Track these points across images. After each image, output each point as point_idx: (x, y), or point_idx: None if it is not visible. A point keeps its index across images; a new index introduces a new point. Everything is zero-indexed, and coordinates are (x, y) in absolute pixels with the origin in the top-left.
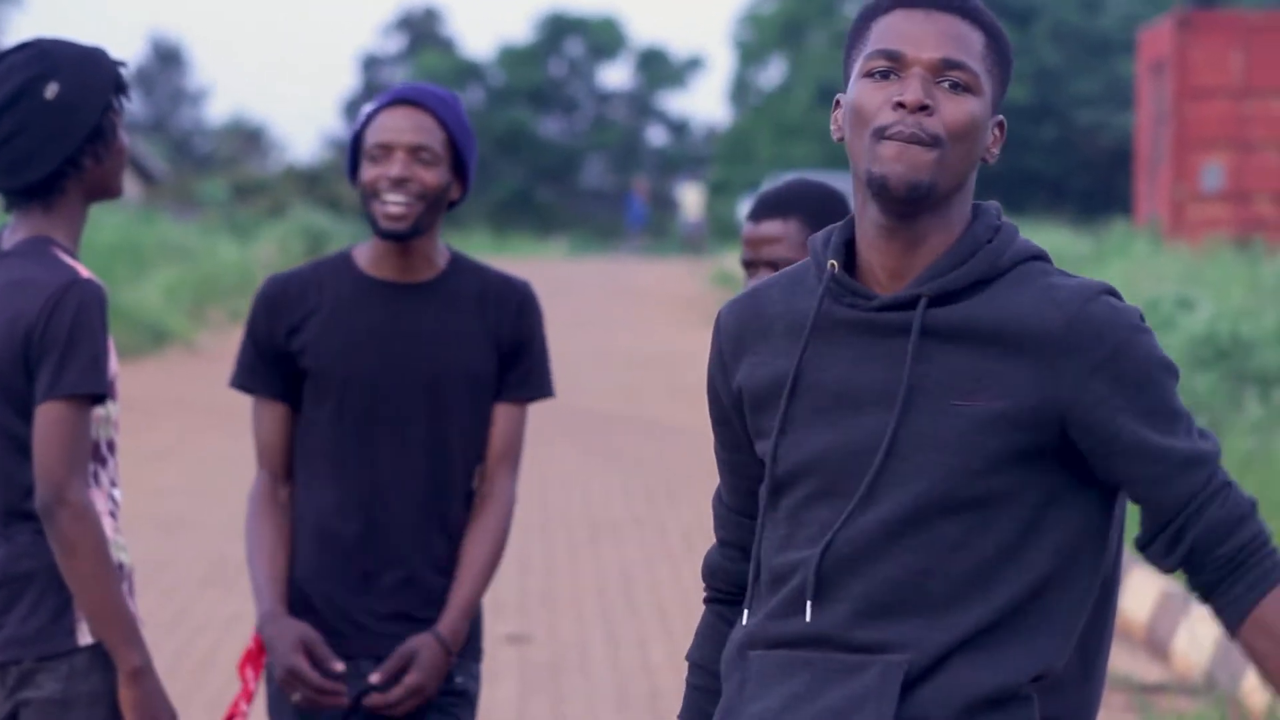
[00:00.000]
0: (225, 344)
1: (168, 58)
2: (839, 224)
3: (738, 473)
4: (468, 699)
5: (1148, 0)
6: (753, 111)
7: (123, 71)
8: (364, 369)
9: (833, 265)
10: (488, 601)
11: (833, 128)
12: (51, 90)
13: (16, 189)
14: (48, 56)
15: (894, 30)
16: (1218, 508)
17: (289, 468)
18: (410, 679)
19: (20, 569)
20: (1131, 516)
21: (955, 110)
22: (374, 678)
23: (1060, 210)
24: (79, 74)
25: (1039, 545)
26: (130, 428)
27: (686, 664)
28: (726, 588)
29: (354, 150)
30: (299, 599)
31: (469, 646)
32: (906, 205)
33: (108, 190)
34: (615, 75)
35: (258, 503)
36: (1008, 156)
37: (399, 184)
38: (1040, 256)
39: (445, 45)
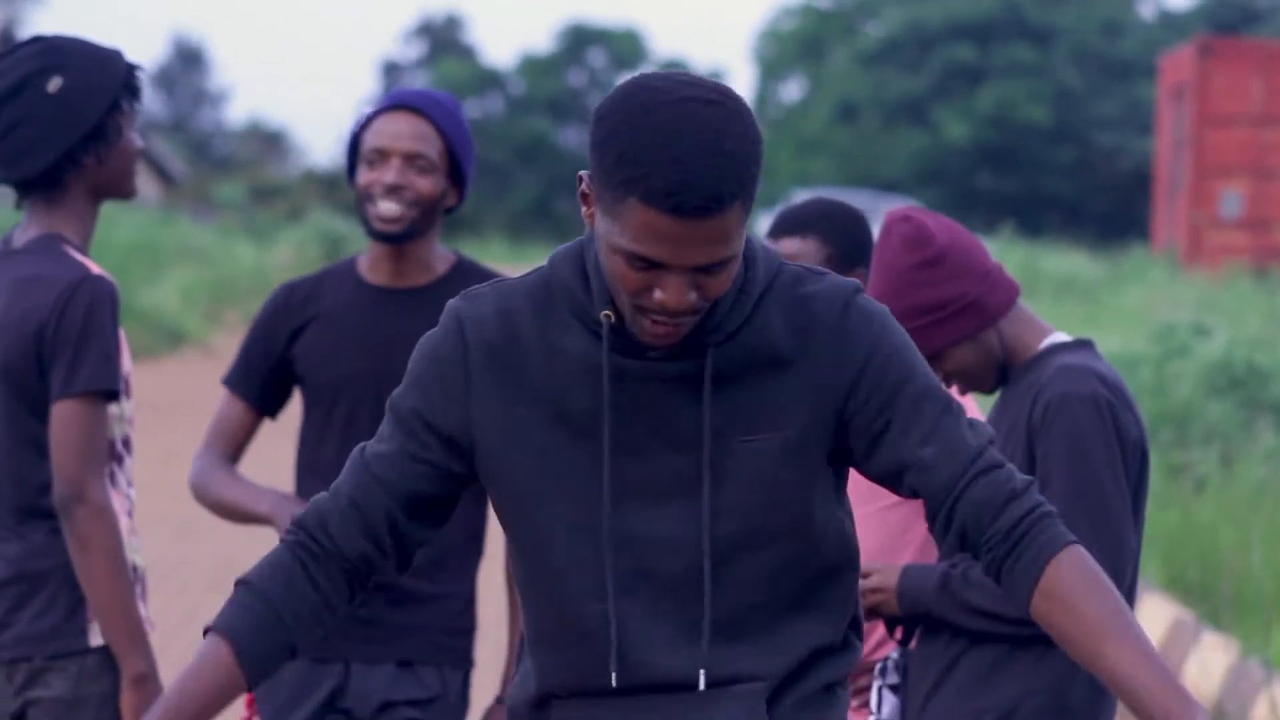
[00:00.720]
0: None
1: (189, 58)
2: (585, 255)
3: (410, 469)
4: (445, 706)
5: (1169, 25)
6: (772, 126)
7: (138, 75)
8: (352, 373)
9: (608, 316)
10: (496, 616)
11: (584, 211)
12: (54, 84)
13: (16, 181)
14: (56, 52)
15: (654, 234)
16: (982, 489)
17: (235, 460)
18: None
19: (34, 567)
20: (1149, 546)
21: (718, 285)
22: None
23: (1077, 233)
24: (85, 71)
25: (828, 543)
26: (144, 428)
27: (236, 584)
28: (328, 547)
29: (353, 151)
30: None
31: (458, 656)
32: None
33: (117, 190)
34: None
35: (210, 461)
36: (1025, 178)
37: (393, 191)
38: (781, 265)
39: (466, 53)
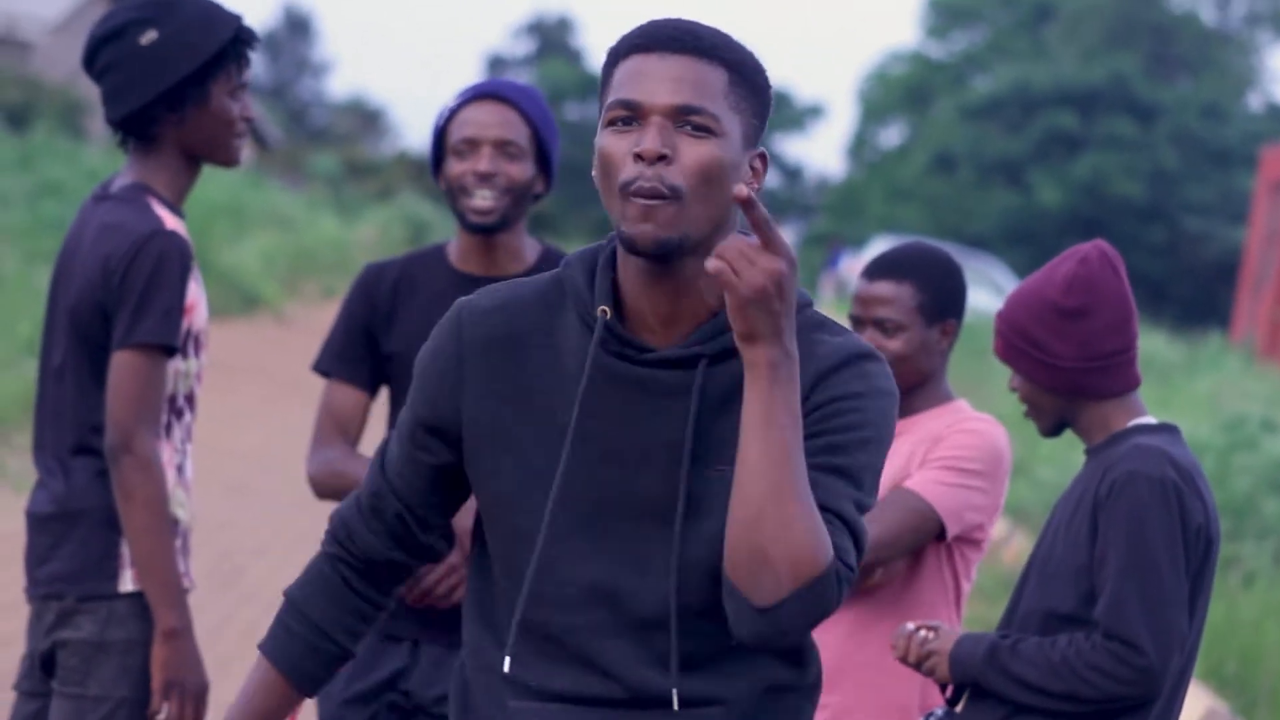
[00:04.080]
0: (314, 316)
1: (297, 26)
2: (599, 255)
3: (416, 468)
4: None
5: (1274, 117)
6: (868, 168)
7: (247, 44)
8: None
9: (604, 312)
10: None
11: (593, 173)
12: (148, 37)
13: (113, 121)
14: (165, 6)
15: (632, 77)
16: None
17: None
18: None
19: (75, 506)
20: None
21: (695, 155)
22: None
23: (1157, 314)
24: (183, 30)
25: None
26: (208, 387)
27: (285, 598)
28: (358, 555)
29: (438, 146)
30: None
31: None
32: (659, 260)
33: (210, 154)
34: None
35: (337, 452)
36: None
37: (486, 179)
38: (808, 304)
39: (574, 56)
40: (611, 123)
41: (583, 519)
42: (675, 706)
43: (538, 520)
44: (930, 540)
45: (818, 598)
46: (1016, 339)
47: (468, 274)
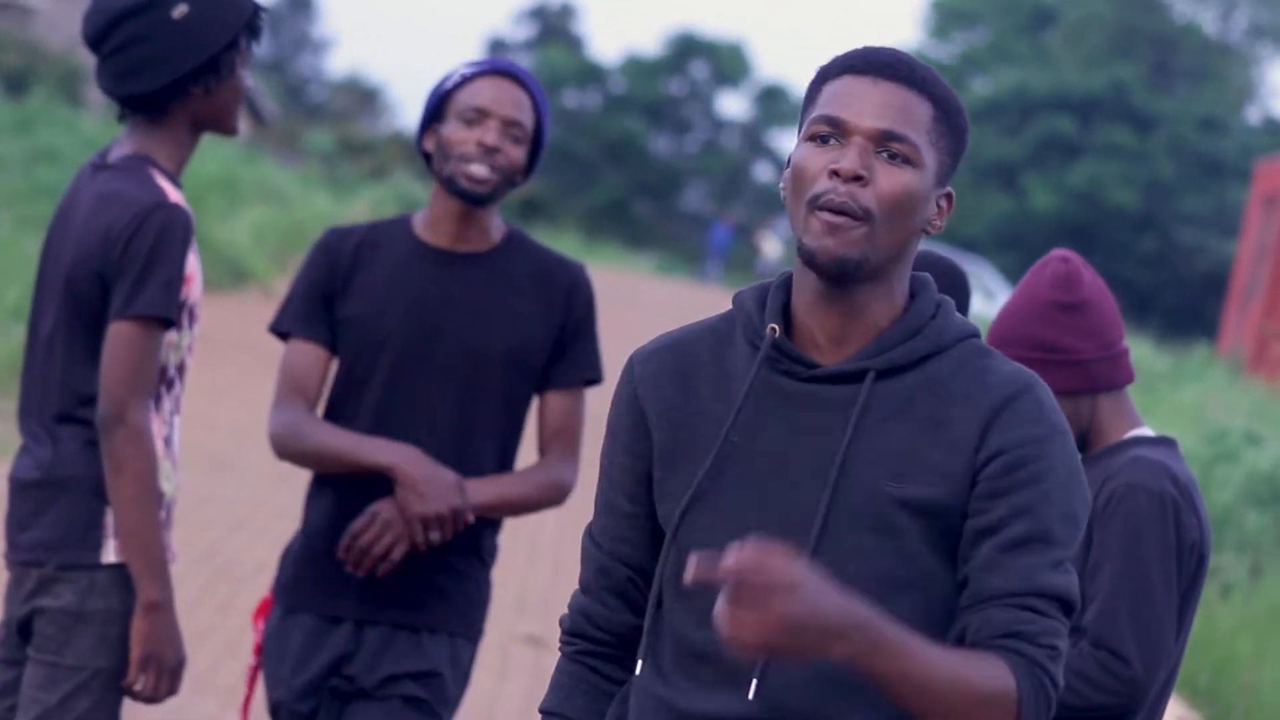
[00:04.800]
0: None
1: (297, 2)
2: (772, 283)
3: (632, 524)
4: (449, 678)
5: (1272, 132)
6: None
7: (261, 16)
8: (400, 328)
9: (773, 329)
10: (513, 598)
11: (781, 186)
12: (180, 11)
13: (121, 97)
14: None
15: (840, 96)
16: (1015, 622)
17: (314, 409)
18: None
19: (60, 474)
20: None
21: (891, 182)
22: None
23: (1145, 323)
24: (212, 4)
25: (947, 622)
26: (194, 362)
27: (543, 714)
28: (603, 639)
29: (436, 107)
30: (307, 548)
31: (469, 626)
32: (836, 279)
33: (218, 125)
34: (734, 104)
35: (299, 413)
36: (1103, 259)
37: (490, 152)
38: (975, 334)
39: (574, 43)
40: (812, 138)
41: (740, 533)
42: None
43: (701, 538)
44: None
45: (1036, 712)
46: (1034, 352)
47: (432, 245)
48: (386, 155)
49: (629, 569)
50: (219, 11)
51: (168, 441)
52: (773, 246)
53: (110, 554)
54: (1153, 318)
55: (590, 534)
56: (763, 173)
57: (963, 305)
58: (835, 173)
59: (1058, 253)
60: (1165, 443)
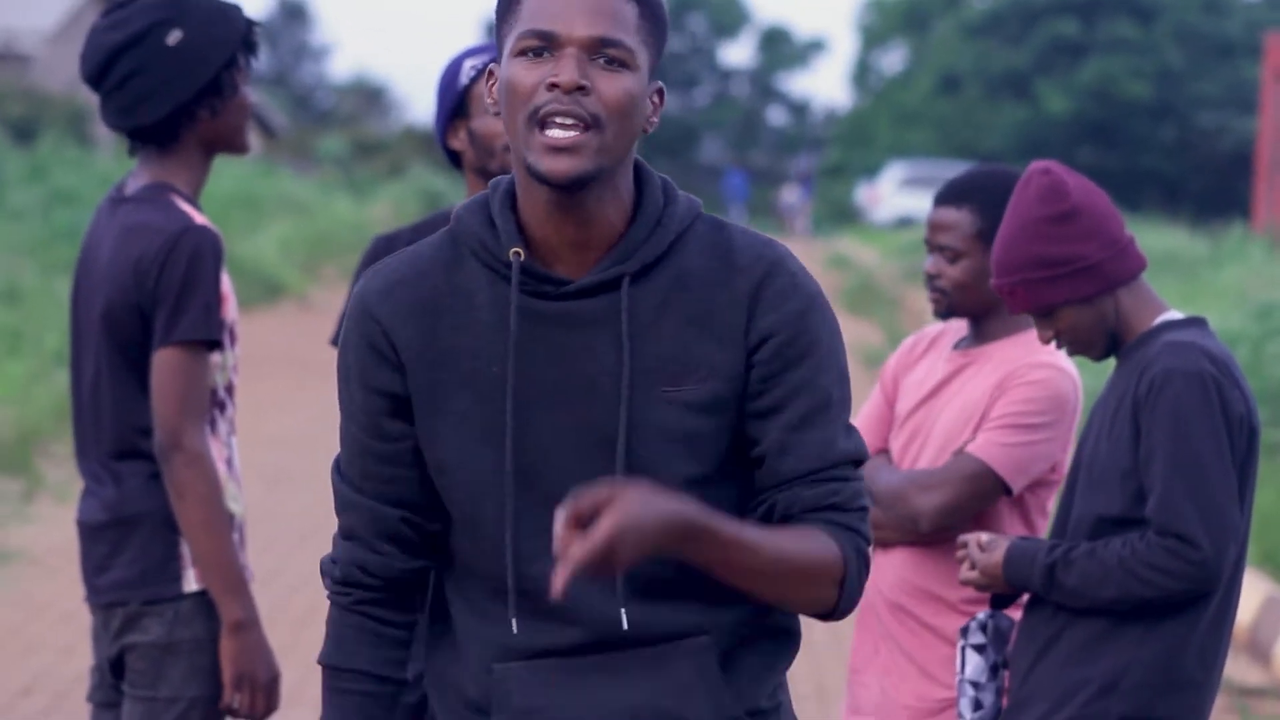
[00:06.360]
0: (337, 299)
1: (293, 13)
2: (492, 201)
3: (393, 461)
4: None
5: (1273, 4)
6: (873, 96)
7: (256, 31)
8: None
9: (517, 253)
10: None
11: (488, 100)
12: (174, 37)
13: (130, 130)
14: (177, 5)
15: (545, 7)
16: (825, 496)
17: None
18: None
19: (128, 511)
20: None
21: (613, 89)
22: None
23: (1176, 211)
24: (205, 26)
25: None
26: (240, 379)
27: (325, 668)
28: (378, 585)
29: (457, 105)
30: None
31: None
32: (570, 190)
33: (229, 145)
34: (737, 53)
35: None
36: (1125, 154)
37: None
38: (699, 206)
39: None
40: (521, 53)
41: (539, 466)
42: (624, 626)
43: (497, 479)
44: (999, 497)
45: (857, 583)
46: (1041, 270)
47: None
48: (401, 152)
49: (399, 509)
50: (213, 32)
51: (229, 463)
52: (791, 191)
53: (191, 583)
54: (1184, 204)
55: (346, 480)
56: (776, 116)
57: None
58: (554, 85)
59: (1037, 166)
60: (1195, 323)
